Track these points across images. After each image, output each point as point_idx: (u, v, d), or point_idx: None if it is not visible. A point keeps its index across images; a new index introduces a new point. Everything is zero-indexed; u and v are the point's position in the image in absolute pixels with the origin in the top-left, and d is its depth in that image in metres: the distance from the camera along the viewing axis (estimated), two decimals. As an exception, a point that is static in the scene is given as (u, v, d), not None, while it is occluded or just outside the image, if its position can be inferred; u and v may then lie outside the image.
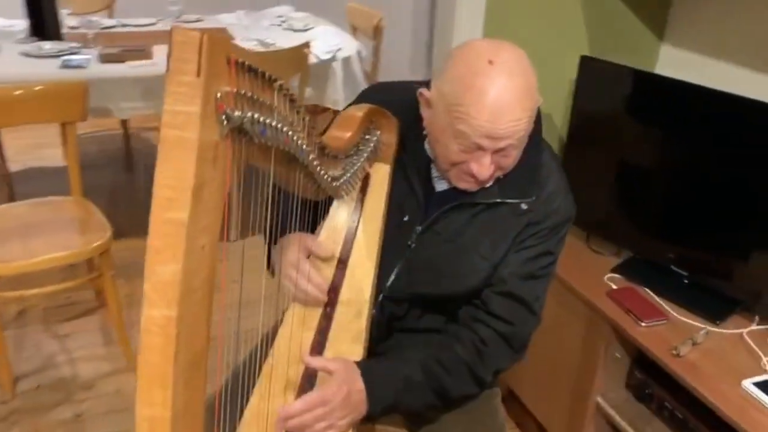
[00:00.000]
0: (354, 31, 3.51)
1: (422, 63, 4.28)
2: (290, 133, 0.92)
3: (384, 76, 3.24)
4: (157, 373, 0.76)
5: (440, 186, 1.21)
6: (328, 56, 2.86)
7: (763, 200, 1.51)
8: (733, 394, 1.34)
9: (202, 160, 0.75)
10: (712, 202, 1.61)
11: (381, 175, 1.25)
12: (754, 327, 1.53)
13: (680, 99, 1.66)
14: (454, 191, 1.17)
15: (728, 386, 1.36)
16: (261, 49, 2.83)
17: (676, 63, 2.02)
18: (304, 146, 0.97)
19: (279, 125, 0.87)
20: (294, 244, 1.15)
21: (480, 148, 1.04)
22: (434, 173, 1.21)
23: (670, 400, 1.56)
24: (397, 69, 3.91)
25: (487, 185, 1.13)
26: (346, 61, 2.97)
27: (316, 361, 1.07)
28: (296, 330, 1.17)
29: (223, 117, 0.77)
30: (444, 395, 1.16)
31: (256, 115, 0.82)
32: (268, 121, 0.84)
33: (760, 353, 1.45)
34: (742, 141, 1.55)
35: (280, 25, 3.24)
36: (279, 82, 0.86)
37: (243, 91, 0.80)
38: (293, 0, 3.54)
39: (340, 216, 1.24)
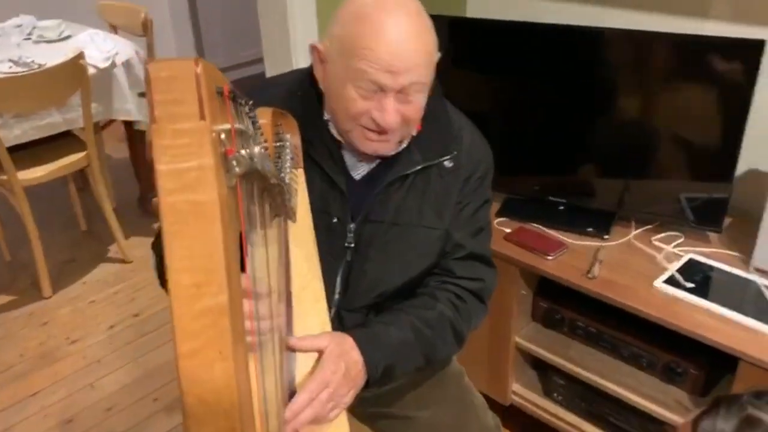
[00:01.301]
0: (115, 30, 3.14)
1: (191, 51, 4.00)
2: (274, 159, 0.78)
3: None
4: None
5: (358, 172, 1.14)
6: (107, 63, 2.53)
7: (599, 117, 1.67)
8: (651, 295, 1.47)
9: (225, 223, 0.60)
10: (559, 131, 1.73)
11: (300, 181, 1.13)
12: (635, 231, 1.69)
13: (503, 38, 1.74)
14: (374, 173, 1.12)
15: (644, 290, 1.49)
16: (21, 70, 2.40)
17: (483, 8, 2.11)
18: (284, 169, 0.84)
19: (265, 153, 0.72)
20: None
21: (381, 88, 0.99)
22: (348, 161, 1.13)
23: (582, 319, 1.68)
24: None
25: (394, 141, 1.06)
26: (127, 64, 2.65)
27: (303, 343, 0.97)
28: None
29: (234, 162, 0.62)
30: (430, 355, 1.14)
31: (257, 150, 0.67)
32: (262, 151, 0.69)
33: (653, 252, 1.61)
34: (569, 68, 1.67)
35: (29, 38, 2.77)
36: (249, 103, 0.72)
37: (237, 126, 0.65)
38: (32, 8, 3.04)
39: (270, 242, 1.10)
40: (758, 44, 1.40)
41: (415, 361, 1.12)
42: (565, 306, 1.70)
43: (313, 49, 1.07)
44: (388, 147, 1.07)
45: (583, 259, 1.60)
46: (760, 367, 1.29)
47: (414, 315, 1.12)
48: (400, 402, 1.26)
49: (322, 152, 1.10)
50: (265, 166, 0.70)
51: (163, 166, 0.57)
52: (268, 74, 1.85)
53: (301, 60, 1.77)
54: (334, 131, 1.11)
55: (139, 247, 2.84)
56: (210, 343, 0.59)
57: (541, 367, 1.84)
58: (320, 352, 0.97)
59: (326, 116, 1.11)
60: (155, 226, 1.27)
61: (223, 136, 0.60)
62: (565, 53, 1.67)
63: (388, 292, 1.16)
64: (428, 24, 1.02)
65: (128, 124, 2.83)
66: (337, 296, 1.15)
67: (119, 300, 2.57)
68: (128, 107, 2.65)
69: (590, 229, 1.69)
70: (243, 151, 0.63)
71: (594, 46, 1.65)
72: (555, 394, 1.79)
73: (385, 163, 1.12)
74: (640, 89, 1.63)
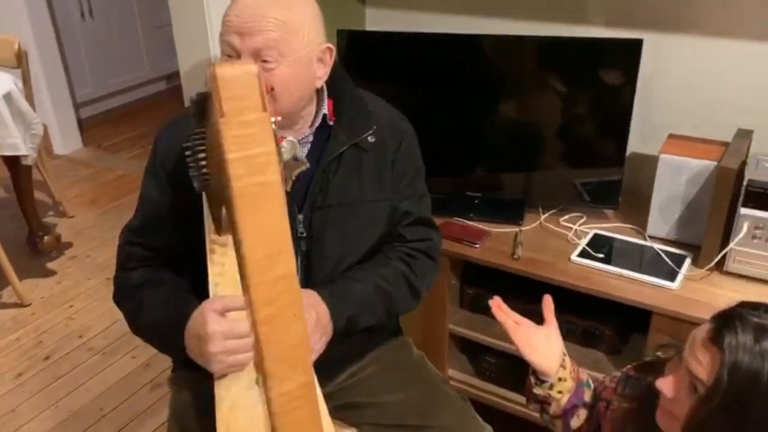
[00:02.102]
0: (-14, 63, 2.96)
1: (61, 81, 3.84)
2: None
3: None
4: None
5: None
6: (-15, 97, 2.39)
7: (498, 118, 1.86)
8: (569, 268, 1.66)
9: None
10: (463, 132, 1.90)
11: None
12: (543, 216, 1.88)
13: (403, 48, 1.88)
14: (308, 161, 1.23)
15: (563, 265, 1.67)
16: None
17: (380, 21, 2.25)
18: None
19: (296, 142, 0.79)
20: (205, 321, 1.00)
21: (236, 50, 1.09)
22: None
23: (507, 300, 1.84)
24: (39, 95, 3.42)
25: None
26: (7, 98, 2.52)
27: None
28: None
29: (282, 149, 0.69)
30: (390, 308, 1.29)
31: (292, 139, 0.74)
32: (294, 141, 0.76)
33: (563, 231, 1.80)
34: (466, 74, 1.84)
35: None
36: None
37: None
38: None
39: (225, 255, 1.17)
40: (637, 43, 1.64)
41: (376, 313, 1.26)
42: (491, 290, 1.85)
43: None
44: None
45: (506, 243, 1.76)
46: (669, 316, 1.50)
47: (373, 271, 1.26)
48: (368, 390, 1.34)
49: None
50: (299, 153, 0.77)
51: (233, 155, 0.63)
52: (186, 92, 1.87)
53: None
54: None
55: (36, 289, 2.70)
56: (285, 307, 0.66)
57: (469, 350, 1.99)
58: None
59: None
60: (112, 276, 1.28)
61: (274, 126, 0.67)
62: (461, 60, 1.84)
63: (347, 267, 1.27)
64: (294, 2, 1.12)
65: (10, 160, 2.69)
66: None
67: (24, 346, 2.42)
68: (12, 141, 2.52)
69: (506, 218, 1.86)
70: (288, 139, 0.70)
71: (490, 51, 1.84)
72: (487, 373, 1.93)
73: (315, 150, 1.23)
74: (534, 90, 1.83)
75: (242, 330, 0.96)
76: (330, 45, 1.18)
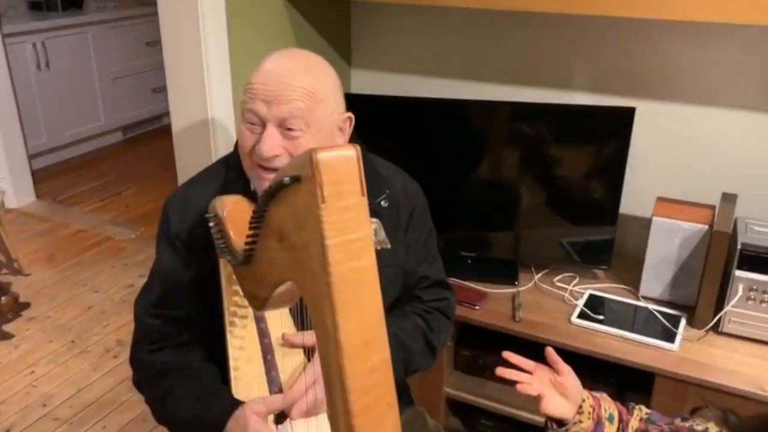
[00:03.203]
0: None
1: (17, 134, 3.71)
2: None
3: None
4: None
5: None
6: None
7: (491, 179, 1.89)
8: (572, 330, 1.67)
9: (377, 285, 0.65)
10: (455, 193, 1.92)
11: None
12: (537, 276, 1.90)
13: (391, 111, 1.90)
14: None
15: (564, 326, 1.68)
16: None
17: (365, 83, 2.28)
18: None
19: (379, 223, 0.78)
20: (247, 425, 1.03)
21: (260, 119, 1.08)
22: None
23: (505, 362, 1.83)
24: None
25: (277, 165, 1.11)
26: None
27: (296, 338, 1.11)
28: None
29: (374, 230, 0.67)
30: (408, 364, 1.27)
31: (375, 220, 0.72)
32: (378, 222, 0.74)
33: (559, 292, 1.82)
34: (458, 137, 1.87)
35: None
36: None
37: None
38: None
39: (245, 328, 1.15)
40: (630, 110, 1.70)
41: (395, 367, 1.19)
42: (487, 351, 1.85)
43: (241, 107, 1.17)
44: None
45: (503, 305, 1.77)
46: (673, 378, 1.53)
47: (393, 324, 1.20)
48: None
49: None
50: (381, 234, 0.75)
51: (331, 240, 0.61)
52: (178, 152, 1.82)
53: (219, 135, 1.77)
54: None
55: (-8, 354, 2.54)
56: (382, 396, 0.63)
57: (463, 412, 1.96)
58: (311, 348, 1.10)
59: (252, 186, 1.19)
60: (128, 356, 1.25)
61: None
62: (449, 123, 1.87)
63: None
64: (314, 66, 1.13)
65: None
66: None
67: (-17, 416, 2.26)
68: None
69: (501, 278, 1.87)
70: (374, 221, 0.69)
71: (479, 116, 1.87)
72: (483, 436, 1.91)
73: None
74: (527, 154, 1.86)
75: None
76: (350, 114, 1.18)
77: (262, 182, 1.12)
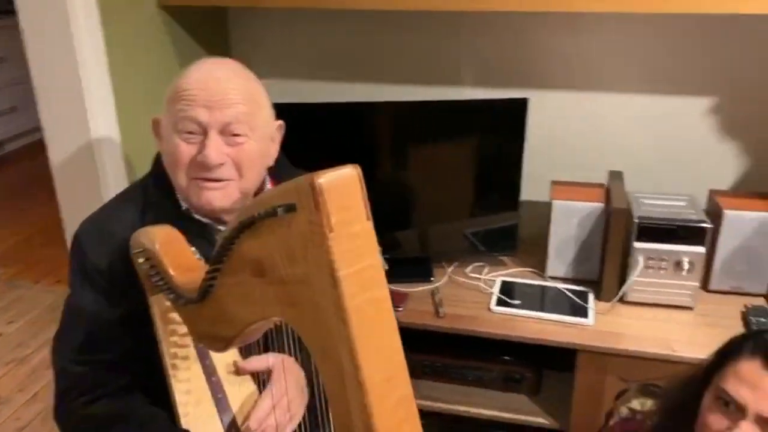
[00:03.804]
0: None
1: None
2: None
3: None
4: None
5: None
6: None
7: (392, 177, 1.89)
8: (494, 318, 1.71)
9: (390, 314, 0.61)
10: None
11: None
12: (450, 269, 1.92)
13: (297, 118, 1.83)
14: None
15: (486, 315, 1.71)
16: None
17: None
18: None
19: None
20: None
21: (200, 126, 1.02)
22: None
23: (427, 358, 1.85)
24: None
25: (229, 191, 1.06)
26: None
27: (250, 365, 1.06)
28: None
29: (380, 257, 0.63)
30: None
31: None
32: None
33: (473, 282, 1.86)
34: (356, 139, 1.86)
35: None
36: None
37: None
38: None
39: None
40: (522, 101, 1.76)
41: None
42: (413, 351, 1.84)
43: (155, 123, 1.11)
44: (224, 196, 1.07)
45: (424, 302, 1.77)
46: (593, 352, 1.60)
47: None
48: None
49: (198, 243, 1.04)
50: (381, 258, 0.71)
51: (343, 272, 0.57)
52: (58, 176, 1.64)
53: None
54: (198, 216, 1.11)
55: None
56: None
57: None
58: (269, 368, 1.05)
59: (183, 205, 1.11)
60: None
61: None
62: (348, 127, 1.84)
63: None
64: (246, 72, 1.10)
65: None
66: None
67: None
68: None
69: (416, 277, 1.87)
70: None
71: (374, 118, 1.86)
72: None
73: None
74: (425, 151, 1.88)
75: None
76: (281, 122, 1.13)
77: (204, 194, 1.05)
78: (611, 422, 1.25)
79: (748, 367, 0.93)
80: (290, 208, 0.59)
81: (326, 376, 0.62)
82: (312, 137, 1.82)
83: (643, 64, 1.87)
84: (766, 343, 0.93)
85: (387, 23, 1.99)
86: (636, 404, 1.35)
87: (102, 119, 1.60)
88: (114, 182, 1.63)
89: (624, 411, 1.32)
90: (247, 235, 0.68)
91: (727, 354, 0.98)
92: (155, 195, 1.11)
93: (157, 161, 1.14)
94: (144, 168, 1.20)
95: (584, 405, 1.66)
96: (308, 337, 0.64)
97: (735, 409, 0.94)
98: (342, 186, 0.57)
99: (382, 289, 0.59)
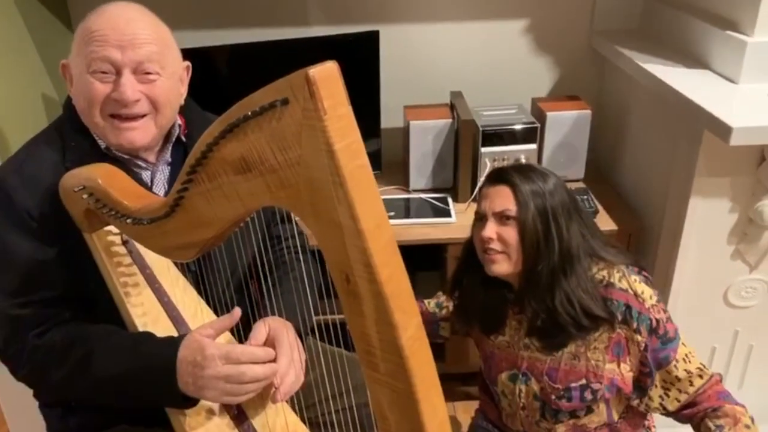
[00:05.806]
0: None
1: None
2: None
3: None
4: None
5: (158, 188, 1.23)
6: None
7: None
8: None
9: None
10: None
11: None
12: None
13: None
14: (173, 182, 1.17)
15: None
16: None
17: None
18: None
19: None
20: (202, 346, 1.01)
21: (114, 65, 1.07)
22: (145, 180, 1.20)
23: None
24: None
25: (147, 129, 1.12)
26: None
27: (256, 339, 1.07)
28: None
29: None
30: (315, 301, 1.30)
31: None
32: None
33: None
34: (219, 82, 1.95)
35: None
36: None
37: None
38: None
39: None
40: (375, 33, 1.95)
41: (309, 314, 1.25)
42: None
43: (63, 67, 1.15)
44: (144, 133, 1.13)
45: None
46: (459, 244, 1.87)
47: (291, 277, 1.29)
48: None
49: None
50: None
51: (337, 145, 0.73)
52: None
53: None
54: (118, 153, 1.16)
55: None
56: (397, 266, 0.78)
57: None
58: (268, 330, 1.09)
59: (102, 144, 1.16)
60: None
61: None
62: (211, 71, 1.93)
63: (243, 279, 1.30)
64: (152, 14, 1.15)
65: None
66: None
67: None
68: None
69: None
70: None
71: (226, 61, 1.95)
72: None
73: (176, 170, 1.22)
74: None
75: (238, 354, 1.00)
76: (188, 63, 1.20)
77: (122, 134, 1.11)
78: None
79: (485, 187, 1.25)
80: (284, 102, 0.73)
81: (324, 235, 0.77)
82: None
83: (467, -5, 2.13)
84: (493, 171, 1.27)
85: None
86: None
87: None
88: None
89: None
90: (228, 139, 0.80)
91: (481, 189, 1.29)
92: (73, 137, 1.14)
93: (68, 104, 1.17)
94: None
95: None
96: (303, 213, 0.78)
97: (482, 219, 1.24)
98: (328, 77, 0.72)
99: (364, 158, 0.75)
